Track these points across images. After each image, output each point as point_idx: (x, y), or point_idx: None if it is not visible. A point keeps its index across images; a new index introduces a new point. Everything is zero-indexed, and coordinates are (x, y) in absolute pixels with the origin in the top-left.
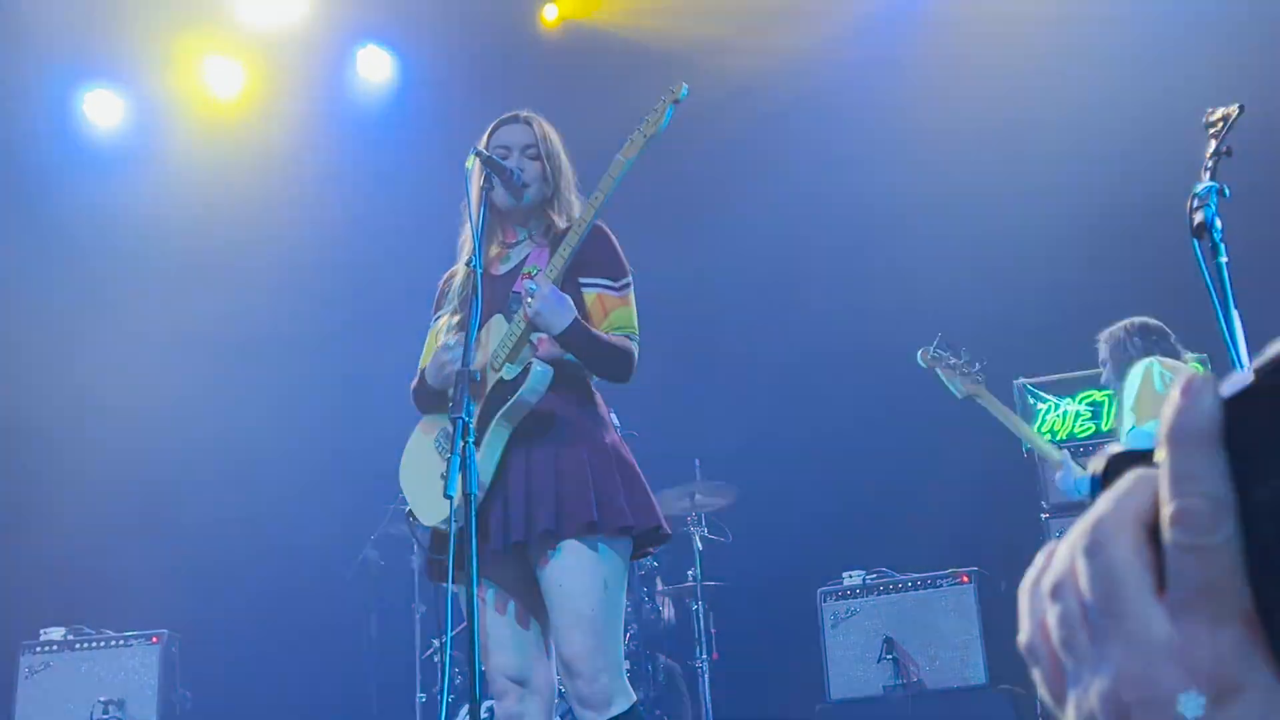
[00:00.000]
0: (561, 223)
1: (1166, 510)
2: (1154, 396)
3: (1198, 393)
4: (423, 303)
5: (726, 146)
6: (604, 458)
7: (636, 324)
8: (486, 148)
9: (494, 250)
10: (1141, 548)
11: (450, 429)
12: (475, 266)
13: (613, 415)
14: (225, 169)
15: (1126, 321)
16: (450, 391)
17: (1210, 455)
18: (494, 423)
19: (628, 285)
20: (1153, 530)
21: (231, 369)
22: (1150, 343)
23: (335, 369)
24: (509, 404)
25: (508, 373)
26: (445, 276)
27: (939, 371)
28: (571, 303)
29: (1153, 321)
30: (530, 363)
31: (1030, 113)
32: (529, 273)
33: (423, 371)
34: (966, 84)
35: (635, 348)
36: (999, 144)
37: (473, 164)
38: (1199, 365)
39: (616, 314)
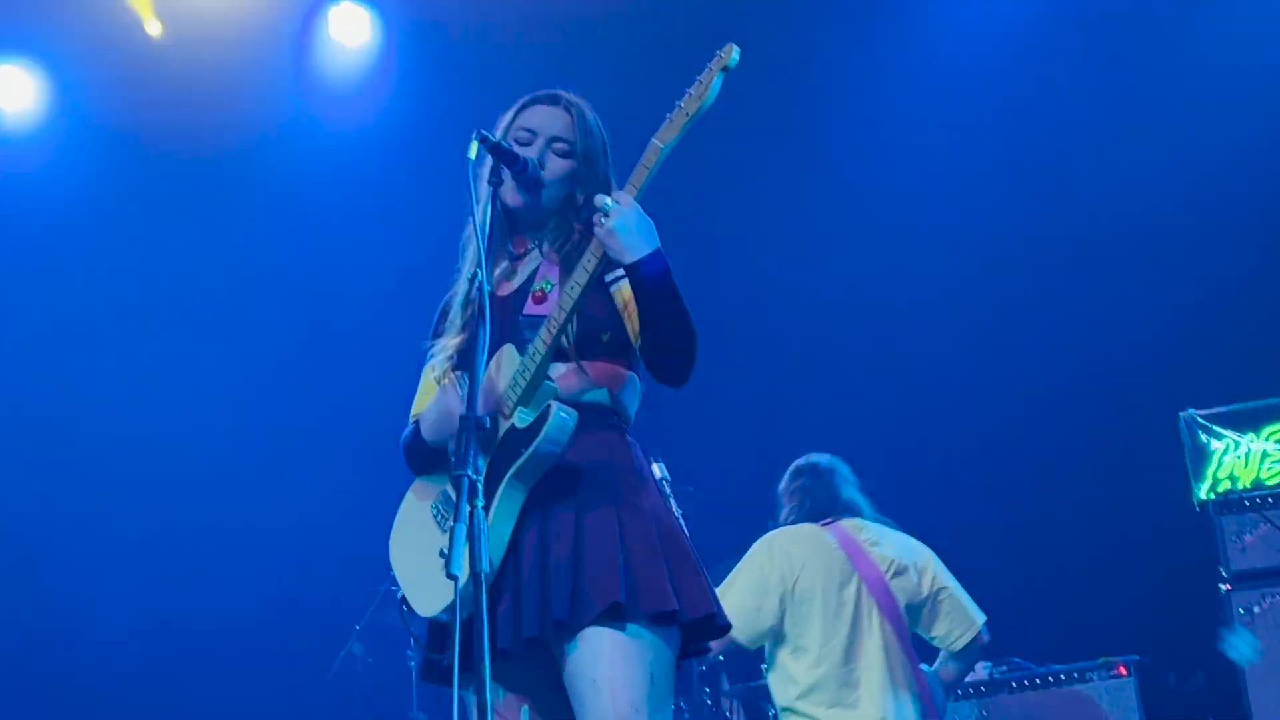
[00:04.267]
0: (575, 233)
1: None
2: None
3: None
4: (415, 327)
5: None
6: (642, 524)
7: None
8: (508, 130)
9: (501, 264)
10: None
11: (452, 492)
12: (482, 283)
13: (658, 466)
14: (165, 159)
15: None
16: (451, 445)
17: None
18: (504, 484)
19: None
20: None
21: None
22: None
23: (308, 411)
24: (522, 459)
25: (521, 419)
26: (442, 304)
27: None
28: (654, 230)
29: None
30: (549, 406)
31: (1199, 109)
32: (541, 290)
33: (416, 422)
34: (1118, 81)
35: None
36: (1157, 143)
37: (475, 153)
38: None
39: None
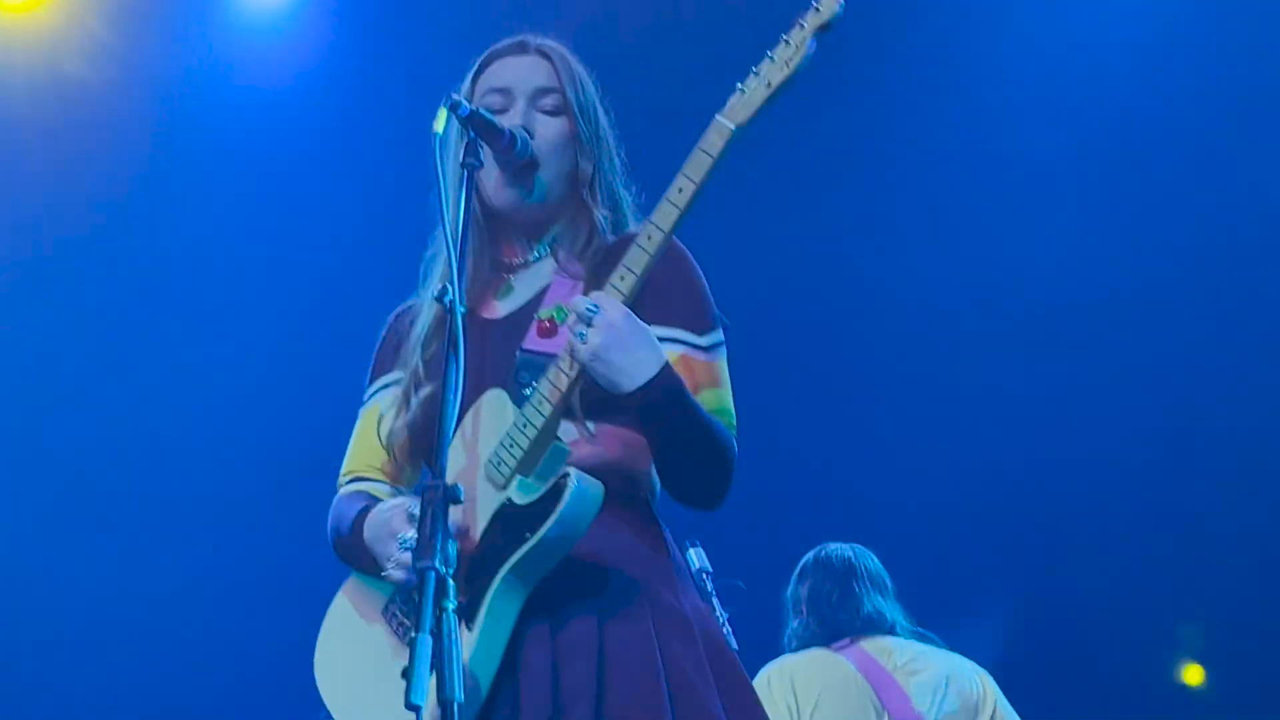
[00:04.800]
0: (601, 223)
1: None
2: None
3: None
4: (353, 363)
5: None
6: (684, 635)
7: (734, 411)
8: (471, 96)
9: (484, 278)
10: None
11: (414, 590)
12: (454, 303)
13: (695, 553)
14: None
15: None
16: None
17: None
18: (497, 581)
19: (719, 344)
20: None
21: None
22: None
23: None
24: (527, 547)
25: (521, 493)
26: (390, 322)
27: None
28: (656, 341)
29: None
30: (566, 476)
31: None
32: (548, 317)
33: (360, 509)
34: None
35: (735, 444)
36: None
37: (445, 125)
38: None
39: (708, 393)
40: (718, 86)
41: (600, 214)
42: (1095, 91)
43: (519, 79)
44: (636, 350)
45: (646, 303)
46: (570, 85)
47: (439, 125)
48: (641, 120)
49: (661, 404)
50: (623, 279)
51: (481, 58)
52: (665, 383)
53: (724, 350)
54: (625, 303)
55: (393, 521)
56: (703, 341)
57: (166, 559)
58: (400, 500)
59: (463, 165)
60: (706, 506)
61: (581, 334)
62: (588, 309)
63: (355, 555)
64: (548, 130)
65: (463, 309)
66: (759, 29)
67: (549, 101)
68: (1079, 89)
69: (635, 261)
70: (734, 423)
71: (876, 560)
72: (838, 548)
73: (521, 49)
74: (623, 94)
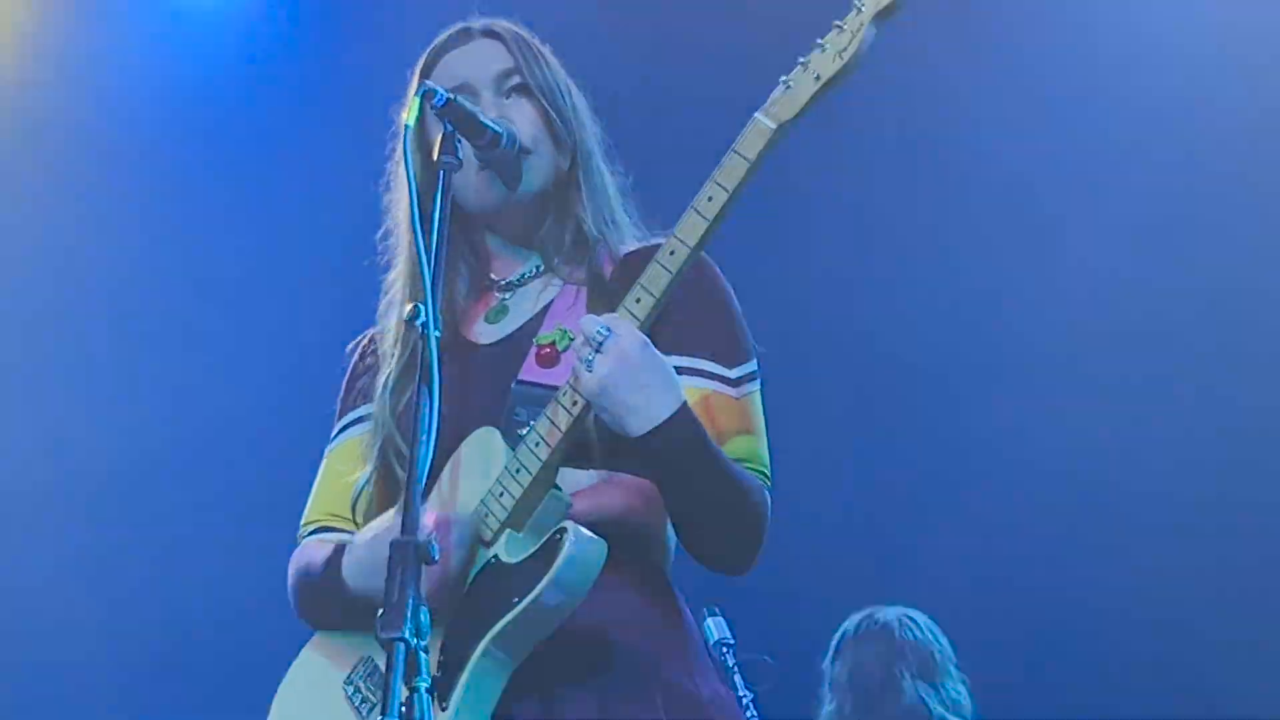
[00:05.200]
0: (611, 236)
1: None
2: None
3: None
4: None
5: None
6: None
7: (768, 455)
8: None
9: (468, 296)
10: None
11: (381, 659)
12: (426, 325)
13: (714, 623)
14: None
15: None
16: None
17: None
18: (477, 654)
19: (752, 378)
20: None
21: None
22: None
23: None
24: (514, 613)
25: (510, 549)
26: (356, 347)
27: None
28: (676, 376)
29: None
30: (562, 530)
31: None
32: (549, 342)
33: (333, 554)
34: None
35: (768, 504)
36: None
37: (415, 119)
38: None
39: (739, 438)
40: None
41: (584, 204)
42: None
43: (475, 69)
44: (650, 386)
45: (666, 328)
46: (529, 65)
47: (409, 116)
48: (641, 108)
49: (676, 453)
50: (639, 301)
51: (423, 58)
52: (682, 427)
53: (758, 385)
54: (641, 329)
55: (376, 552)
56: (733, 374)
57: (153, 559)
58: (382, 525)
59: (438, 164)
60: (732, 571)
61: (589, 360)
62: (598, 331)
63: (325, 604)
64: (525, 114)
65: (438, 333)
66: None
67: (514, 81)
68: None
69: (654, 281)
70: (769, 472)
71: (929, 629)
72: (884, 617)
73: (466, 36)
74: (619, 80)
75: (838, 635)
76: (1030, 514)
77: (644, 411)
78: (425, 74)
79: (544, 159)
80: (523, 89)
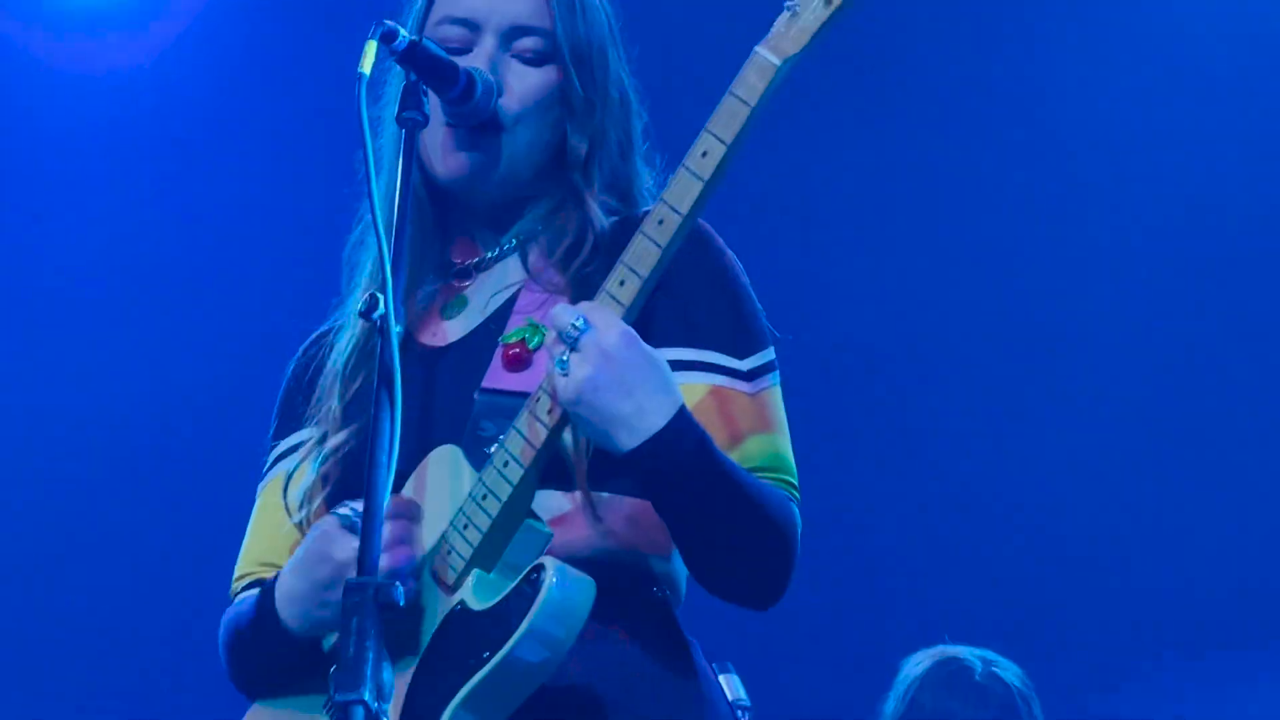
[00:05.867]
0: (595, 222)
1: None
2: None
3: None
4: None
5: None
6: None
7: (792, 459)
8: (421, 23)
9: (424, 286)
10: None
11: None
12: (387, 319)
13: (725, 680)
14: None
15: None
16: (330, 639)
17: None
18: (448, 717)
19: (769, 368)
20: None
21: None
22: None
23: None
24: (484, 673)
25: (479, 594)
26: (299, 356)
27: None
28: (670, 375)
29: None
30: (540, 568)
31: None
32: (517, 340)
33: (261, 593)
34: None
35: (797, 520)
36: None
37: (370, 65)
38: None
39: (756, 440)
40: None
41: (597, 204)
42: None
43: (490, 7)
44: (640, 390)
45: (661, 314)
46: (566, 19)
47: (366, 64)
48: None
49: (676, 469)
50: (623, 284)
51: None
52: (681, 438)
53: (776, 376)
54: (627, 318)
55: (313, 547)
56: (744, 365)
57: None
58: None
59: (399, 121)
60: (758, 606)
61: (563, 362)
62: (573, 325)
63: (261, 656)
64: (524, 84)
65: (399, 328)
66: None
67: (530, 44)
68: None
69: (641, 259)
70: (795, 479)
71: (1018, 678)
72: (963, 660)
73: None
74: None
75: (904, 676)
76: (1044, 521)
77: (634, 422)
78: None
79: (531, 141)
80: (540, 56)
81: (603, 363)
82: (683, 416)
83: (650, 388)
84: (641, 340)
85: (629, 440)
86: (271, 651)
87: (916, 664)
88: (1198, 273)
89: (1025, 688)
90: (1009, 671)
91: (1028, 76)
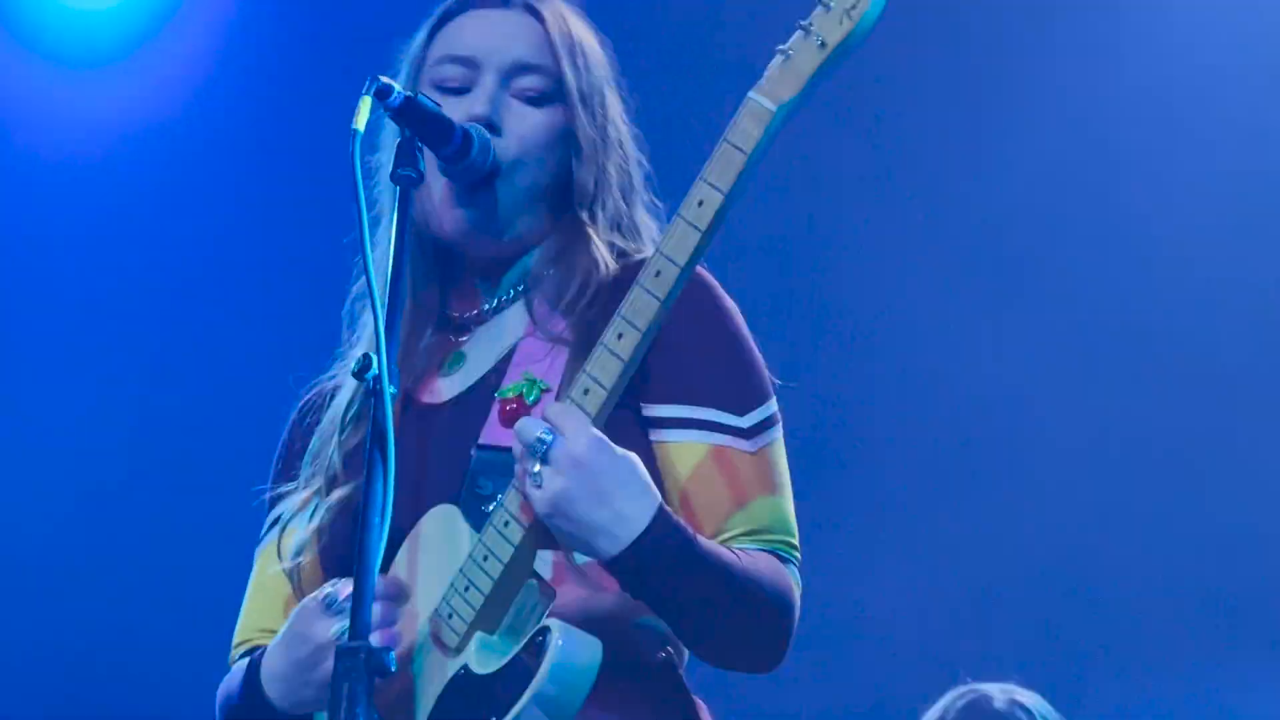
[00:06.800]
0: (602, 263)
1: None
2: None
3: None
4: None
5: None
6: None
7: (793, 519)
8: (419, 69)
9: (424, 339)
10: None
11: None
12: (380, 379)
13: None
14: None
15: None
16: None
17: None
18: None
19: (770, 422)
20: None
21: None
22: None
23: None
24: None
25: (483, 657)
26: (297, 414)
27: None
28: (645, 475)
29: None
30: (546, 630)
31: None
32: (515, 395)
33: (250, 664)
34: None
35: (796, 585)
36: None
37: (364, 122)
38: None
39: (756, 503)
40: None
41: (603, 245)
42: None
43: (490, 46)
44: (617, 495)
45: (657, 369)
46: (569, 59)
47: (360, 120)
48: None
49: (661, 570)
50: (617, 339)
51: (443, 5)
52: (662, 539)
53: (778, 430)
54: (598, 410)
55: (296, 627)
56: (745, 423)
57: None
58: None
59: (394, 179)
60: (757, 672)
61: (535, 475)
62: (539, 438)
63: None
64: (524, 125)
65: (393, 389)
66: None
67: (531, 83)
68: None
69: (640, 312)
70: (794, 538)
71: (1029, 700)
72: (974, 689)
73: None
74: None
75: (926, 715)
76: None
77: (614, 529)
78: (438, 25)
79: (532, 185)
80: (542, 96)
81: (575, 473)
82: (662, 517)
83: (626, 492)
84: (611, 444)
85: (610, 548)
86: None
87: (945, 706)
88: (1197, 273)
89: (1050, 714)
90: (1030, 699)
91: (1025, 75)
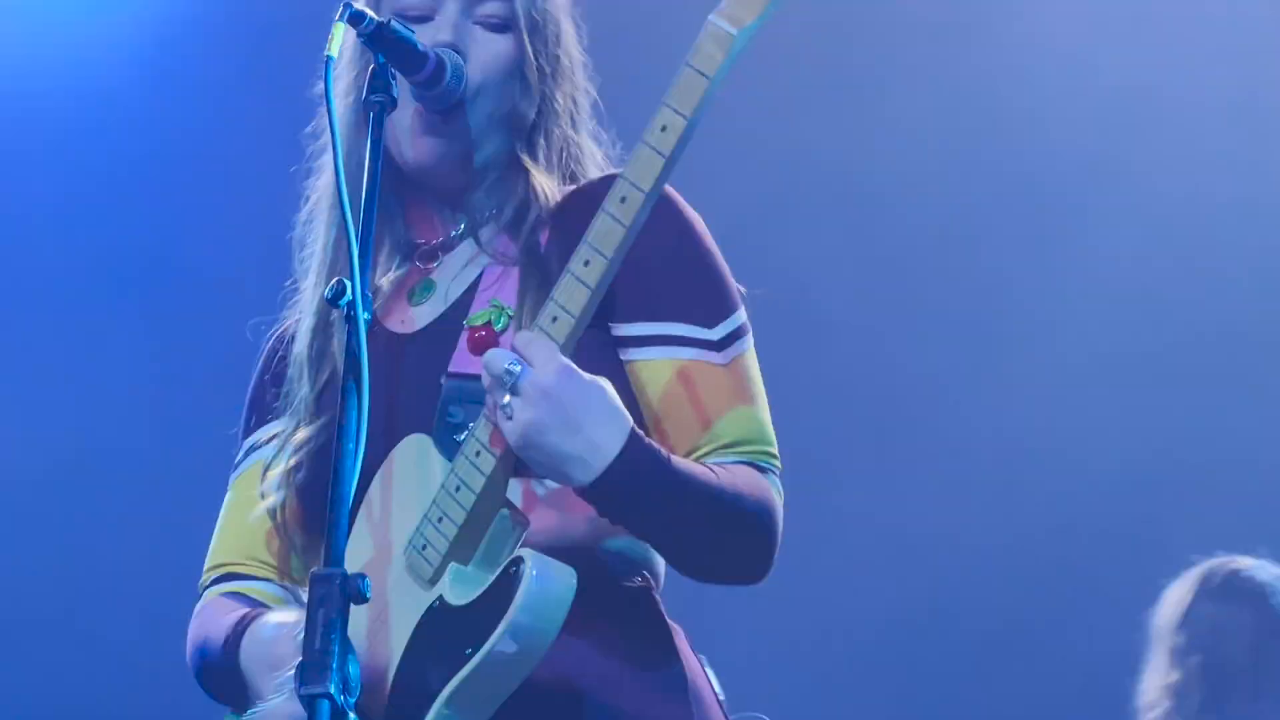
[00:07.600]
0: (554, 190)
1: None
2: None
3: None
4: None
5: None
6: None
7: (770, 427)
8: (379, 2)
9: (392, 269)
10: None
11: None
12: (355, 305)
13: (709, 673)
14: None
15: None
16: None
17: None
18: (432, 717)
19: (740, 333)
20: None
21: None
22: None
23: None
24: (467, 671)
25: (457, 588)
26: (270, 344)
27: None
28: (616, 400)
29: None
30: (519, 561)
31: None
32: (483, 323)
33: (235, 630)
34: None
35: (777, 494)
36: None
37: (339, 46)
38: None
39: (730, 415)
40: None
41: (541, 178)
42: None
43: None
44: (587, 423)
45: (622, 287)
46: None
47: (333, 46)
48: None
49: (636, 494)
50: (587, 264)
51: None
52: (636, 463)
53: (749, 340)
54: (567, 337)
55: (276, 648)
56: (715, 335)
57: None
58: (292, 616)
59: (367, 104)
60: (743, 584)
61: (506, 408)
62: (506, 370)
63: (230, 688)
64: (487, 52)
65: (368, 315)
66: None
67: (493, 9)
68: None
69: (605, 238)
70: (773, 447)
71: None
72: (1257, 574)
73: None
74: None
75: (1181, 590)
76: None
77: (586, 457)
78: None
79: (489, 115)
80: (503, 23)
81: (545, 403)
82: (634, 441)
83: (597, 419)
84: (580, 372)
85: (584, 476)
86: (238, 691)
87: (1201, 577)
88: (1196, 274)
89: None
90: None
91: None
